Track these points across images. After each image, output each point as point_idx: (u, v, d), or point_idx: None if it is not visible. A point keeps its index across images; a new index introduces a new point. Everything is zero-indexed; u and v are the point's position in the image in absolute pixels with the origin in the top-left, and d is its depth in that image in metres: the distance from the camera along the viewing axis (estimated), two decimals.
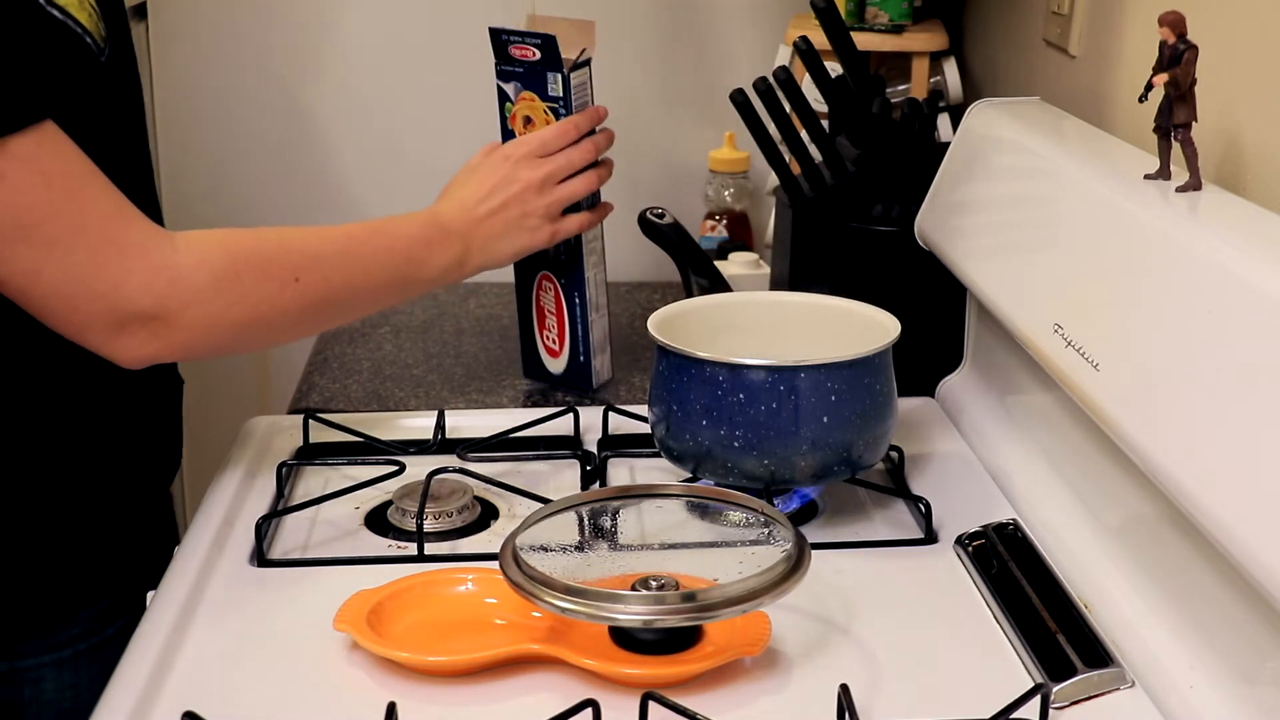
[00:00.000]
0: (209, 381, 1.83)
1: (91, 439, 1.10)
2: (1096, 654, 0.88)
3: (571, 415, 1.22)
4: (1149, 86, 0.95)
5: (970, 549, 1.02)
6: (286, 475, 1.15)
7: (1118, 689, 0.86)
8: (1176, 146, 0.96)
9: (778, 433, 1.02)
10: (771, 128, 1.37)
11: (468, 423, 1.24)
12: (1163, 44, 0.93)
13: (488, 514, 1.11)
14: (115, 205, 0.97)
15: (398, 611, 0.92)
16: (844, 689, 0.81)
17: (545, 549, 0.91)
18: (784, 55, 1.62)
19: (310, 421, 1.22)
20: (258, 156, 1.77)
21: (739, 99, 1.35)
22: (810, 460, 1.03)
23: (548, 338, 1.40)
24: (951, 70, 1.62)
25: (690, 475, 1.08)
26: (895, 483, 1.14)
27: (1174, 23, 0.93)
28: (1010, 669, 0.89)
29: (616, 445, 1.20)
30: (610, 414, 1.22)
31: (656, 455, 1.11)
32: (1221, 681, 0.83)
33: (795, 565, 0.88)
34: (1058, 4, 1.38)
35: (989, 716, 0.79)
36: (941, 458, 1.19)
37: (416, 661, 0.88)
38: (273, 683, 0.89)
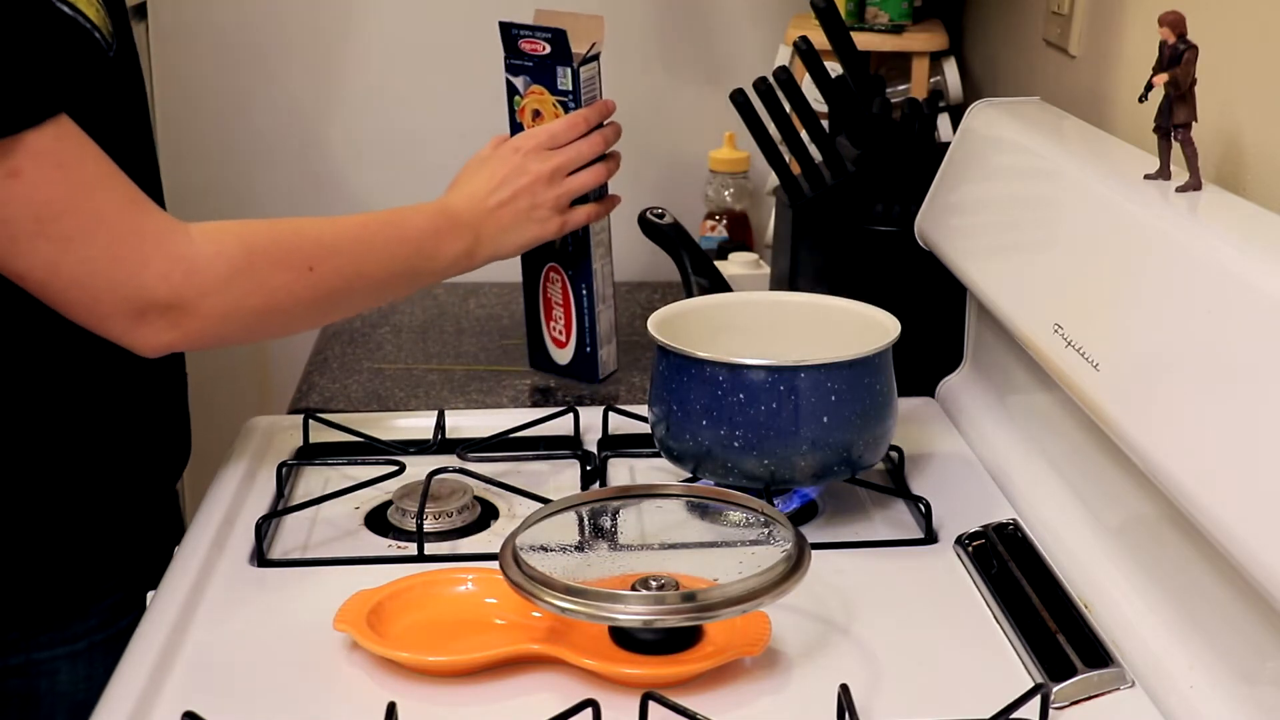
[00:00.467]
0: (209, 381, 1.83)
1: (99, 434, 1.10)
2: (1096, 654, 0.88)
3: (571, 415, 1.22)
4: (1149, 86, 0.95)
5: (970, 549, 1.02)
6: (286, 475, 1.15)
7: (1118, 689, 0.86)
8: (1176, 146, 0.96)
9: (778, 433, 1.02)
10: (771, 128, 1.37)
11: (468, 423, 1.24)
12: (1163, 44, 0.93)
13: (488, 514, 1.11)
14: (131, 198, 0.98)
15: (398, 611, 0.92)
16: (844, 689, 0.81)
17: (545, 549, 0.91)
18: (784, 55, 1.62)
19: (310, 421, 1.22)
20: (257, 156, 1.77)
21: (739, 99, 1.35)
22: (810, 460, 1.03)
23: (554, 329, 1.41)
24: (951, 70, 1.62)
25: (690, 475, 1.08)
26: (895, 483, 1.14)
27: (1174, 23, 0.93)
28: (1010, 669, 0.89)
29: (616, 445, 1.20)
30: (610, 414, 1.22)
31: (656, 455, 1.12)
32: (1221, 681, 0.83)
33: (795, 565, 0.88)
34: (1058, 4, 1.38)
35: (989, 716, 0.79)
36: (941, 458, 1.19)
37: (416, 661, 0.88)
38: (273, 683, 0.89)
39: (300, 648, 0.91)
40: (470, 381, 1.44)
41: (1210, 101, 0.97)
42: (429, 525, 1.06)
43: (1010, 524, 1.04)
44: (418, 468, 1.13)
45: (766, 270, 1.54)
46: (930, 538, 1.05)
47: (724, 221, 1.72)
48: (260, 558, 1.03)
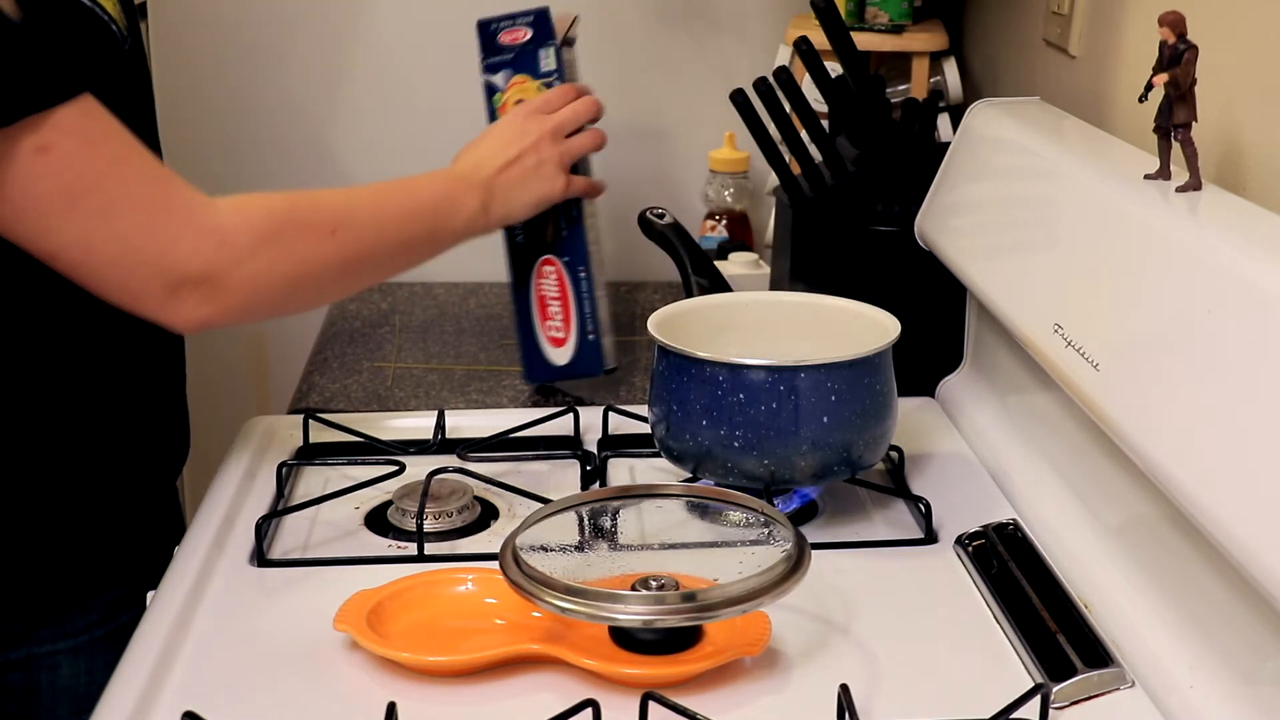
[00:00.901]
0: (209, 381, 1.83)
1: (99, 428, 1.11)
2: (1096, 654, 0.88)
3: (571, 415, 1.22)
4: (1149, 86, 0.95)
5: (970, 549, 1.02)
6: (286, 475, 1.15)
7: (1118, 689, 0.86)
8: (1176, 146, 0.96)
9: (778, 433, 1.02)
10: (771, 128, 1.37)
11: (468, 423, 1.24)
12: (1163, 44, 0.93)
13: (488, 514, 1.11)
14: (158, 172, 0.99)
15: (398, 611, 0.92)
16: (844, 689, 0.81)
17: (545, 549, 0.91)
18: (784, 55, 1.62)
19: (310, 421, 1.22)
20: (258, 155, 1.77)
21: (739, 99, 1.35)
22: (810, 460, 1.03)
23: (551, 327, 1.38)
24: (951, 70, 1.62)
25: (690, 475, 1.08)
26: (895, 483, 1.14)
27: (1174, 23, 0.93)
28: (1010, 669, 0.89)
29: (616, 445, 1.20)
30: (610, 414, 1.22)
31: (656, 455, 1.12)
32: (1221, 681, 0.83)
33: (795, 565, 0.88)
34: (1058, 4, 1.38)
35: (989, 716, 0.79)
36: (941, 458, 1.19)
37: (416, 661, 0.88)
38: (273, 683, 0.89)
39: (300, 648, 0.91)
40: (470, 381, 1.44)
41: (1210, 101, 0.97)
42: (429, 525, 1.06)
43: (1010, 524, 1.05)
44: (418, 468, 1.13)
45: (766, 270, 1.54)
46: (930, 538, 1.05)
47: (724, 221, 1.72)
48: (260, 558, 1.03)
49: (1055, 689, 0.84)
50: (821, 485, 1.10)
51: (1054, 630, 0.91)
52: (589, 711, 0.79)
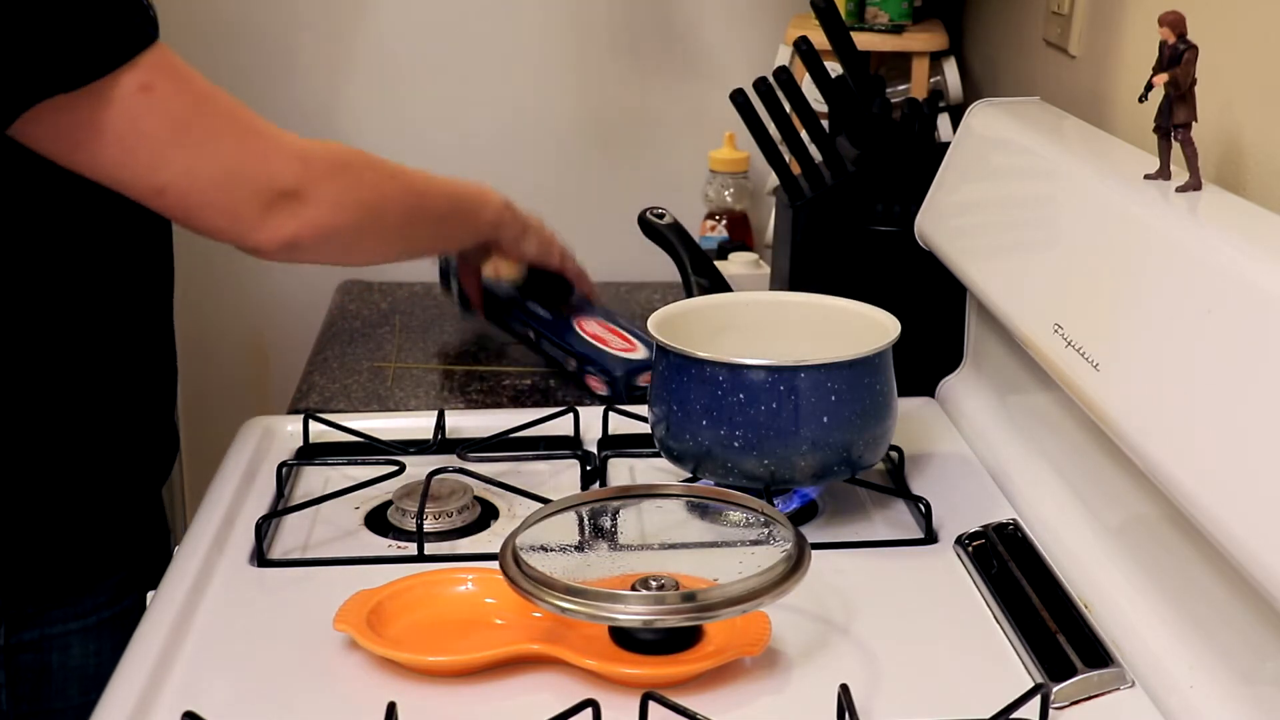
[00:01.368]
0: (209, 381, 1.83)
1: (98, 425, 1.12)
2: (1096, 654, 0.88)
3: (571, 415, 1.22)
4: (1149, 86, 0.95)
5: (970, 549, 1.02)
6: (286, 475, 1.15)
7: (1118, 689, 0.86)
8: (1176, 146, 0.96)
9: (778, 433, 1.02)
10: (771, 128, 1.37)
11: (468, 423, 1.24)
12: (1163, 44, 0.93)
13: (488, 514, 1.11)
14: (239, 103, 1.06)
15: (398, 611, 0.92)
16: (844, 689, 0.81)
17: (545, 549, 0.91)
18: (784, 55, 1.62)
19: (310, 421, 1.22)
20: None
21: (739, 99, 1.35)
22: (810, 460, 1.03)
23: (616, 344, 1.40)
24: (951, 70, 1.62)
25: (690, 475, 1.08)
26: (895, 483, 1.14)
27: (1174, 23, 0.93)
28: (1010, 669, 0.89)
29: (616, 445, 1.20)
30: (610, 414, 1.22)
31: (656, 455, 1.12)
32: (1221, 681, 0.83)
33: (795, 565, 0.88)
34: (1058, 4, 1.38)
35: (989, 716, 0.79)
36: (941, 458, 1.19)
37: (416, 661, 0.88)
38: (273, 683, 0.89)
39: (300, 648, 0.91)
40: (470, 381, 1.44)
41: (1210, 101, 0.97)
42: (429, 525, 1.06)
43: (1010, 524, 1.05)
44: (418, 468, 1.13)
45: (766, 270, 1.54)
46: (930, 538, 1.05)
47: (724, 221, 1.72)
48: (260, 558, 1.03)
49: (1055, 689, 0.84)
50: (821, 485, 1.10)
51: (1054, 630, 0.91)
52: (589, 711, 0.79)
